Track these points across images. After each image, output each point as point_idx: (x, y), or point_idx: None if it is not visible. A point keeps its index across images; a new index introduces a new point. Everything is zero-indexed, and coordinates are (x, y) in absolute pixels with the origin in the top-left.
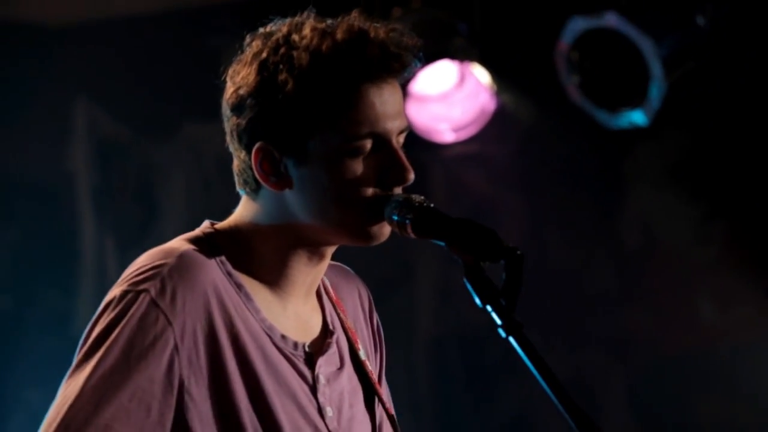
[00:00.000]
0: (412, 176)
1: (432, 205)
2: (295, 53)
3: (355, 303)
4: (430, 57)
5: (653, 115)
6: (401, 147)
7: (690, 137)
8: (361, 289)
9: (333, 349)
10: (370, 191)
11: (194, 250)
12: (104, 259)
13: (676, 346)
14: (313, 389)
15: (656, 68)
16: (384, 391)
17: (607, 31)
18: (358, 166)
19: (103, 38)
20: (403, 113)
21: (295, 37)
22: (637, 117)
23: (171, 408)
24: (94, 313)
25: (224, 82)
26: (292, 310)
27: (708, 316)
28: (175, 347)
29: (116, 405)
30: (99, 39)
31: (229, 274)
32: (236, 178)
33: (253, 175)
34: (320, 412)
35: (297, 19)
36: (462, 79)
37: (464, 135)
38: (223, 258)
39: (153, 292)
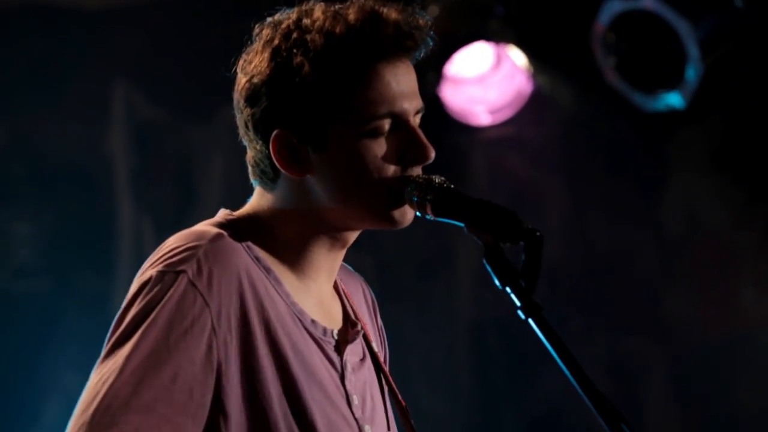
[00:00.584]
0: (432, 154)
1: (452, 186)
2: (308, 36)
3: (361, 300)
4: (466, 39)
5: (690, 98)
6: (418, 126)
7: (732, 121)
8: (365, 289)
9: (358, 339)
10: (390, 172)
11: (223, 233)
12: (142, 242)
13: (719, 331)
14: (341, 377)
15: (693, 50)
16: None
17: (644, 13)
18: (377, 147)
19: (142, 21)
20: (417, 94)
21: (307, 21)
22: (674, 99)
23: (211, 390)
24: None
25: (234, 74)
26: (316, 296)
27: (750, 301)
28: (213, 329)
29: (158, 386)
30: (137, 22)
31: (257, 259)
32: (251, 170)
33: (271, 164)
34: (347, 399)
35: (305, 6)
36: (498, 61)
37: (500, 117)
38: (249, 243)
39: (190, 274)
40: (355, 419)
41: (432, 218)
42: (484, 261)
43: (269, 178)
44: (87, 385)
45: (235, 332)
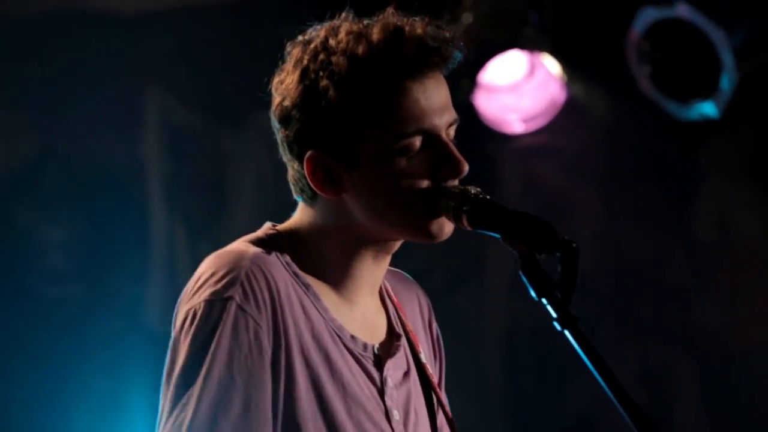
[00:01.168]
0: (466, 168)
1: (488, 197)
2: (333, 59)
3: (414, 309)
4: (500, 47)
5: (724, 107)
6: (452, 140)
7: (765, 129)
8: (420, 297)
9: (401, 352)
10: (424, 187)
11: (261, 252)
12: (175, 248)
13: (749, 340)
14: (381, 392)
15: (728, 59)
16: (442, 396)
17: (679, 22)
18: (409, 165)
19: (175, 26)
20: (450, 106)
21: (332, 41)
22: (708, 108)
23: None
24: (163, 302)
25: (270, 93)
26: (359, 311)
27: None
28: (269, 348)
29: (233, 418)
30: (171, 27)
31: (296, 275)
32: (292, 187)
33: (308, 183)
34: (387, 415)
35: (334, 22)
36: (532, 69)
37: (534, 126)
38: (288, 259)
39: (238, 299)
40: None
41: (468, 229)
42: (520, 272)
43: (309, 197)
44: (162, 427)
45: (283, 349)
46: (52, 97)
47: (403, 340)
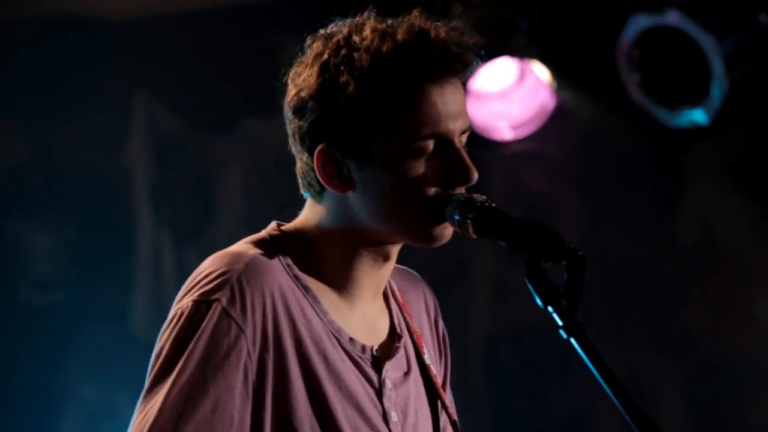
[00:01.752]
0: (475, 176)
1: (494, 204)
2: (356, 54)
3: (420, 308)
4: (489, 54)
5: (714, 114)
6: (464, 146)
7: (750, 136)
8: (427, 295)
9: (401, 353)
10: (432, 192)
11: (260, 254)
12: (161, 254)
13: (733, 345)
14: (379, 393)
15: (718, 66)
16: (447, 396)
17: (669, 29)
18: (420, 167)
19: (163, 33)
20: (465, 113)
21: (356, 38)
22: (698, 116)
23: (249, 415)
24: (148, 308)
25: (285, 83)
26: (360, 312)
27: (766, 316)
28: (248, 355)
29: (198, 419)
30: (158, 34)
31: (296, 278)
32: (300, 181)
33: (317, 177)
34: (384, 416)
35: (357, 19)
36: (522, 76)
37: (523, 133)
38: (290, 261)
39: (224, 302)
40: None
41: (474, 237)
42: (526, 280)
43: (316, 191)
44: (131, 423)
45: (269, 353)
46: (38, 103)
47: (404, 341)
